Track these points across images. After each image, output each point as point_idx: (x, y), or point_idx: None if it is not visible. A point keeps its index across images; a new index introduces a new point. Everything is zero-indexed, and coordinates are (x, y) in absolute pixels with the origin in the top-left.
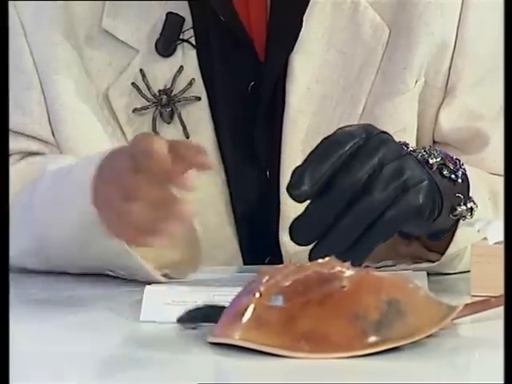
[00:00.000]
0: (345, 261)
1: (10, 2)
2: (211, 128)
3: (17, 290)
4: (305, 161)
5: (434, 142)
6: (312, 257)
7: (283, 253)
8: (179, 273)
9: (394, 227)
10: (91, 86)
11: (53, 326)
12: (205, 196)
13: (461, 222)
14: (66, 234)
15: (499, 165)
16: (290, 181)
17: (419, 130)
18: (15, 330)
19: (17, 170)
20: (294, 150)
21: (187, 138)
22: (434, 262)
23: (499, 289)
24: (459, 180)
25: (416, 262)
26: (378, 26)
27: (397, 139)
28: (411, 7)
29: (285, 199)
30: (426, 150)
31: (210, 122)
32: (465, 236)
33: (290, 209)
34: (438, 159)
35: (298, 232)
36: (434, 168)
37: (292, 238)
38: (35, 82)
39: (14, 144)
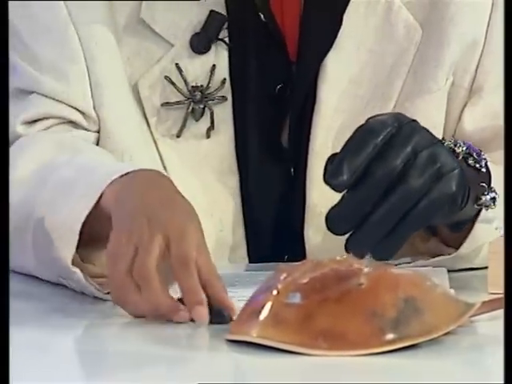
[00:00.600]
0: (372, 255)
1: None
2: (233, 129)
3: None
4: (342, 150)
5: None
6: (349, 246)
7: (307, 248)
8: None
9: (429, 215)
10: (125, 73)
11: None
12: (221, 196)
13: (480, 216)
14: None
15: None
16: (328, 171)
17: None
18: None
19: (59, 138)
20: (324, 148)
21: (208, 137)
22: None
23: None
24: (483, 169)
25: (433, 257)
26: (411, 26)
27: None
28: (443, 7)
29: (311, 196)
30: (451, 140)
31: (233, 122)
32: (482, 232)
33: (317, 204)
34: (464, 148)
35: (335, 221)
36: (460, 157)
37: (329, 228)
38: (80, 57)
39: (52, 109)
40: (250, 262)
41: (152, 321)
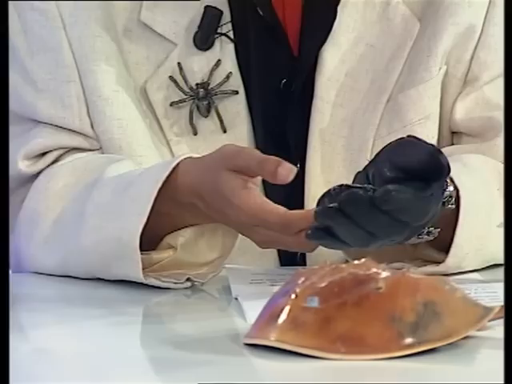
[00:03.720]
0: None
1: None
2: (248, 122)
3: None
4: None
5: (452, 132)
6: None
7: None
8: (202, 276)
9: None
10: (129, 78)
11: (89, 324)
12: None
13: (464, 219)
14: (99, 243)
15: None
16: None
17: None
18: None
19: (66, 166)
20: (320, 141)
21: (224, 131)
22: (440, 263)
23: None
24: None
25: (424, 265)
26: (409, 20)
27: (421, 127)
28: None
29: (310, 189)
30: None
31: (248, 116)
32: (471, 234)
33: (315, 198)
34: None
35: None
36: None
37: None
38: (74, 75)
39: (55, 139)
40: (268, 257)
41: (174, 323)
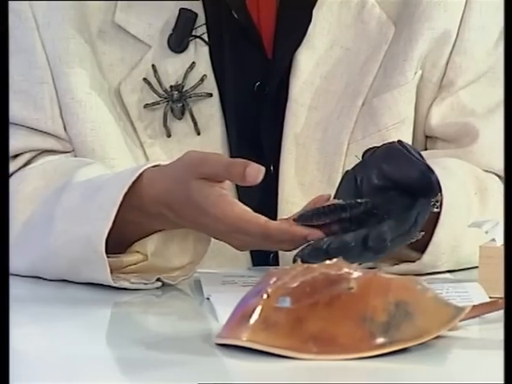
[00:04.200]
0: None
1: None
2: (222, 124)
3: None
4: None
5: (426, 136)
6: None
7: None
8: (173, 278)
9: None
10: (103, 80)
11: (59, 324)
12: None
13: (445, 219)
14: (68, 247)
15: (488, 159)
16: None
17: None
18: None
19: (37, 169)
20: (294, 144)
21: (198, 134)
22: (415, 261)
23: None
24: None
25: (397, 264)
26: (384, 23)
27: (396, 131)
28: (415, 3)
29: (283, 191)
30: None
31: (221, 118)
32: (449, 234)
33: (288, 200)
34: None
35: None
36: None
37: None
38: (47, 77)
39: (27, 141)
40: (241, 259)
41: (144, 323)
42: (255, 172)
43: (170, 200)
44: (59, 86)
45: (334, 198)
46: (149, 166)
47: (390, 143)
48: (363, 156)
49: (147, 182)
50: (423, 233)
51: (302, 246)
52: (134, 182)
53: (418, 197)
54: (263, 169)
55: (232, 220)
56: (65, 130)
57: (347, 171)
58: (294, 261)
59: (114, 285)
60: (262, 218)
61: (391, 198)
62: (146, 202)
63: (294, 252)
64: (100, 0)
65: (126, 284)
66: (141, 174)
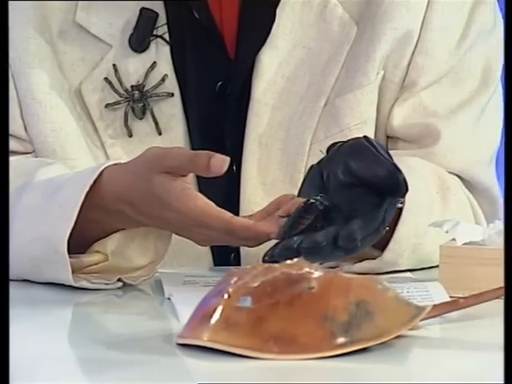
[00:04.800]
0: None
1: None
2: (183, 124)
3: None
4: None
5: (387, 136)
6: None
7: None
8: (134, 278)
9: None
10: (64, 80)
11: (19, 325)
12: None
13: (406, 217)
14: (29, 247)
15: (450, 160)
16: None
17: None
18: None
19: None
20: (256, 144)
21: (159, 134)
22: (375, 258)
23: (467, 289)
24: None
25: (359, 261)
26: (346, 23)
27: (358, 132)
28: (377, 3)
29: (245, 191)
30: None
31: (183, 118)
32: (408, 234)
33: (250, 200)
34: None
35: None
36: None
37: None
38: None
39: None
40: (203, 259)
41: (104, 323)
42: (220, 162)
43: (130, 197)
44: (19, 86)
45: (299, 193)
46: (109, 163)
47: (357, 139)
48: (328, 151)
49: (107, 180)
50: (387, 228)
51: (272, 246)
52: (94, 181)
53: (385, 195)
54: (228, 159)
55: (195, 214)
56: (25, 130)
57: (312, 166)
58: (264, 260)
59: (75, 285)
60: (226, 214)
61: (358, 196)
62: (107, 200)
63: (256, 250)
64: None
65: (86, 284)
66: (101, 172)
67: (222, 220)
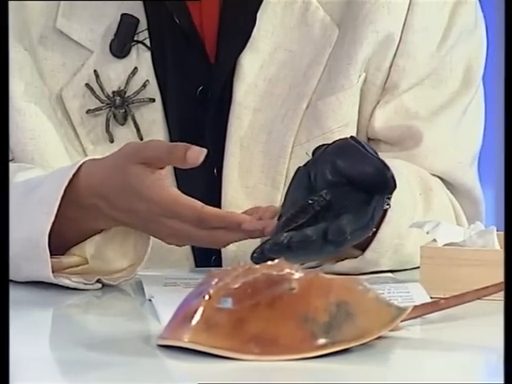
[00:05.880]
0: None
1: None
2: (165, 129)
3: None
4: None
5: (368, 139)
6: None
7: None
8: (114, 279)
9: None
10: (44, 87)
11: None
12: None
13: (390, 217)
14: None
15: (431, 162)
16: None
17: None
18: None
19: None
20: (238, 147)
21: (141, 139)
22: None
23: (448, 290)
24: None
25: (340, 261)
26: (328, 26)
27: (340, 134)
28: (359, 5)
29: (226, 194)
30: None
31: (164, 123)
32: (393, 232)
33: (231, 203)
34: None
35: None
36: None
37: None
38: None
39: None
40: (184, 263)
41: (85, 325)
42: (196, 154)
43: (104, 190)
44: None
45: (286, 195)
46: (87, 158)
47: (344, 139)
48: (313, 153)
49: (84, 175)
50: (373, 229)
51: (261, 243)
52: (73, 175)
53: (373, 193)
54: (204, 150)
55: (167, 203)
56: None
57: (299, 168)
58: (253, 257)
59: (55, 281)
60: (198, 203)
61: (346, 194)
62: (82, 195)
63: (238, 253)
64: (43, 0)
65: (66, 282)
66: (79, 168)
67: (193, 208)
